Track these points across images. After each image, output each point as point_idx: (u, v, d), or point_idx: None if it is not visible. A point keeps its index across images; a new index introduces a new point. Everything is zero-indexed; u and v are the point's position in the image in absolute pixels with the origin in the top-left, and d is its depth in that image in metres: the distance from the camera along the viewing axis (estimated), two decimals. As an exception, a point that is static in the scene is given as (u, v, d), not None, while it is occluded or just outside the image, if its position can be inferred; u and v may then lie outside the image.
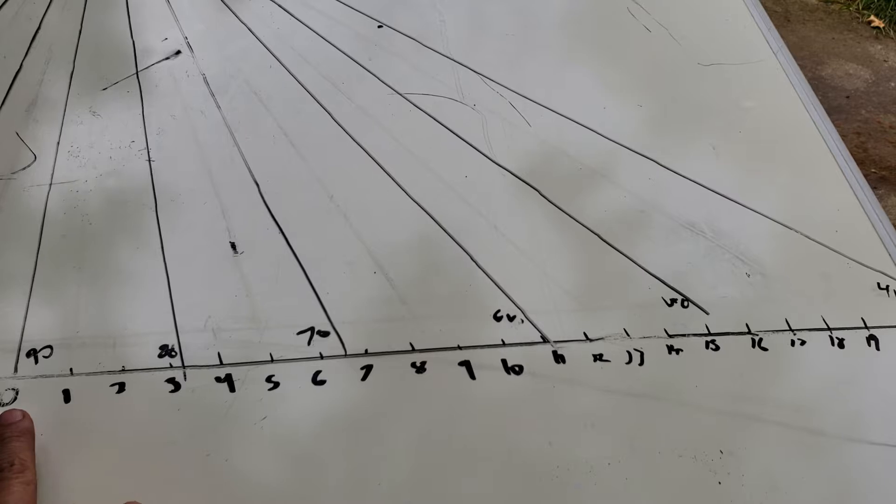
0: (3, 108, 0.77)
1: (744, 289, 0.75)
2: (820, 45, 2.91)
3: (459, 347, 0.67)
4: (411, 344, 0.66)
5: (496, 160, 0.81)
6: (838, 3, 3.12)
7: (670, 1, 1.04)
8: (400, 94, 0.85)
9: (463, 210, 0.76)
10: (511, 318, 0.69)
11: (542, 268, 0.73)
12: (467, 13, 0.96)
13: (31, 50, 0.82)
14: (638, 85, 0.92)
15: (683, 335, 0.70)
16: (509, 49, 0.93)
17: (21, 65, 0.80)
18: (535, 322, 0.69)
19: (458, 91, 0.86)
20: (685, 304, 0.72)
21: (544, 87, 0.89)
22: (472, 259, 0.73)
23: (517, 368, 0.66)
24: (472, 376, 0.65)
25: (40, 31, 0.84)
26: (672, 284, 0.74)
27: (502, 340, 0.68)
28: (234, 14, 0.89)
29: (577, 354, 0.68)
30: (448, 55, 0.90)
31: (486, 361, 0.66)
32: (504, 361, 0.66)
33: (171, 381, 0.62)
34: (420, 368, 0.65)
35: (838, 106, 2.64)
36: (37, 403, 0.60)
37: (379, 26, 0.91)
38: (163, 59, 0.83)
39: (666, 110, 0.90)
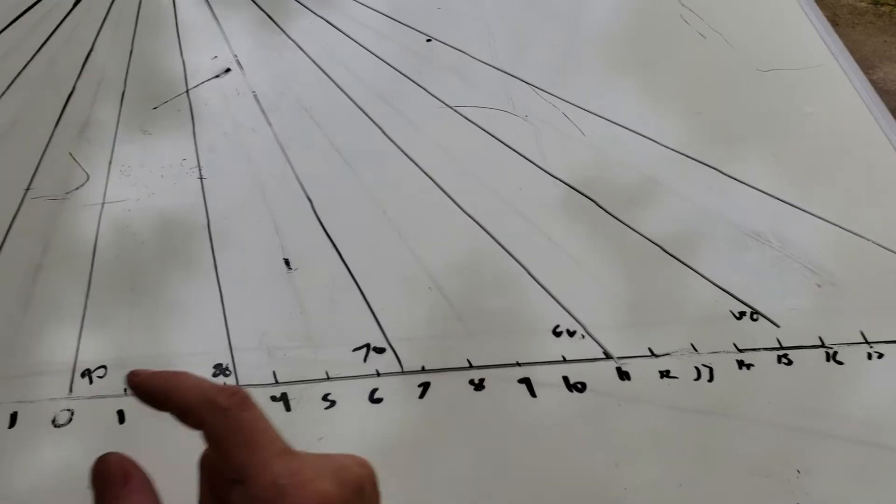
0: (57, 128, 0.77)
1: (815, 300, 0.71)
2: (870, 48, 2.84)
3: (518, 364, 0.64)
4: (469, 360, 0.64)
5: (550, 171, 0.79)
6: (889, 4, 3.05)
7: (723, 6, 1.02)
8: (450, 108, 0.84)
9: (518, 223, 0.74)
10: (571, 334, 0.67)
11: (601, 281, 0.71)
12: (516, 24, 0.94)
13: (84, 71, 0.82)
14: (695, 92, 0.90)
15: (754, 349, 0.67)
16: (560, 59, 0.91)
17: (74, 86, 0.81)
18: (596, 337, 0.66)
19: (510, 102, 0.85)
20: (754, 316, 0.69)
21: (597, 96, 0.86)
22: (528, 273, 0.70)
23: (580, 386, 0.64)
24: (533, 394, 0.63)
25: (92, 53, 0.84)
26: (739, 296, 0.70)
27: (563, 357, 0.65)
28: (283, 31, 0.89)
29: (643, 371, 0.65)
30: (498, 67, 0.88)
31: (546, 378, 0.64)
32: (566, 378, 0.64)
33: (225, 400, 0.61)
34: (479, 386, 0.63)
35: (892, 110, 2.56)
36: (92, 424, 0.59)
37: (427, 40, 0.90)
38: (213, 78, 0.83)
39: (725, 117, 0.87)
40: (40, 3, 0.89)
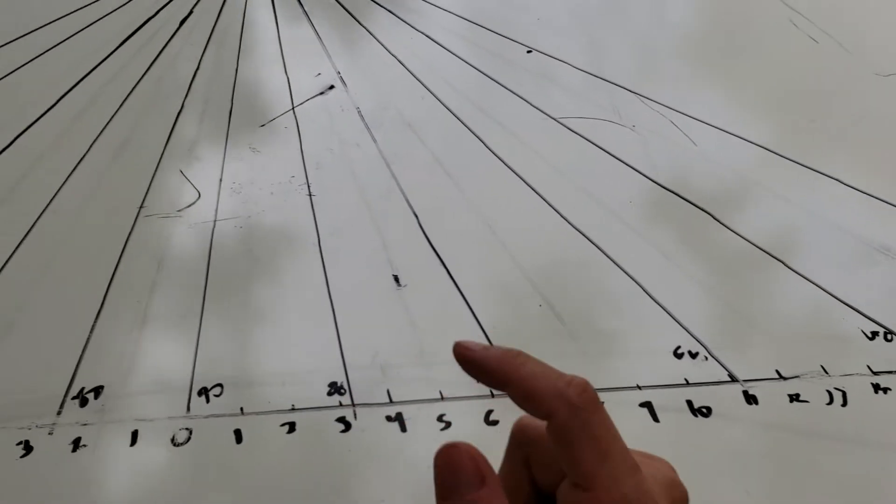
0: (167, 147, 0.78)
1: (955, 319, 0.67)
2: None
3: (639, 387, 0.62)
4: (586, 382, 0.62)
5: (661, 183, 0.76)
6: None
7: (834, 9, 0.97)
8: (553, 119, 0.82)
9: (630, 238, 0.72)
10: (693, 355, 0.64)
11: (722, 299, 0.67)
12: (617, 32, 0.92)
13: (191, 90, 0.84)
14: (809, 98, 0.86)
15: (890, 372, 0.63)
16: (666, 66, 0.88)
17: (182, 104, 0.82)
18: (720, 359, 0.63)
19: (615, 112, 0.82)
20: (888, 336, 0.65)
21: (707, 103, 0.83)
22: (643, 290, 0.68)
23: (704, 410, 0.61)
24: (656, 418, 0.60)
25: (199, 71, 0.85)
26: (871, 315, 0.66)
27: (685, 379, 0.62)
28: (383, 46, 0.89)
29: (771, 394, 0.61)
30: (600, 76, 0.86)
31: (669, 402, 0.61)
32: (689, 402, 0.61)
33: (341, 420, 0.60)
34: (598, 409, 0.61)
35: None
36: (210, 443, 0.59)
37: (528, 51, 0.89)
38: (317, 95, 0.83)
39: (843, 124, 0.83)
40: (147, 25, 0.91)
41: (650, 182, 0.76)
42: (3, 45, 0.87)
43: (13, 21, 0.89)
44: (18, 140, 0.79)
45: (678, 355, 0.64)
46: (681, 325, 0.66)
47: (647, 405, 0.61)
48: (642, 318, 0.66)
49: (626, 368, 0.63)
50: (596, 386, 0.62)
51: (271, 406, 0.61)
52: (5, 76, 0.84)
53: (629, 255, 0.70)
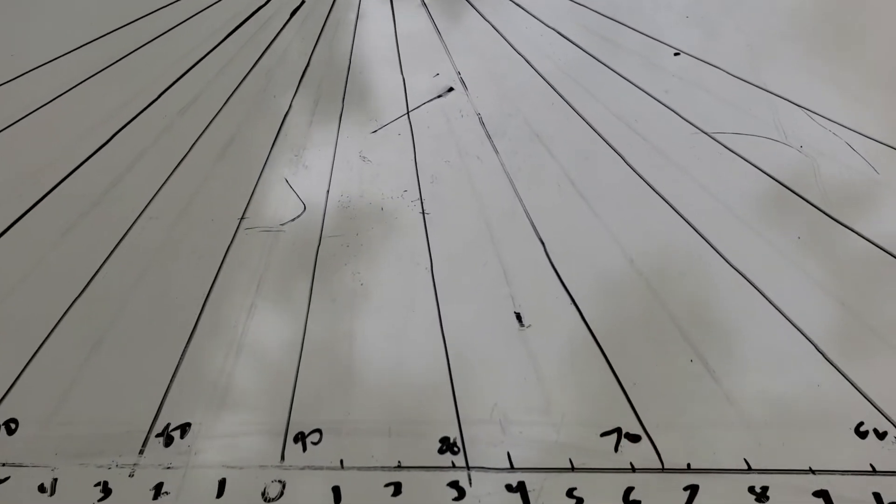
0: (273, 150, 0.72)
1: None
2: None
3: (812, 471, 0.51)
4: (746, 461, 0.52)
5: (836, 217, 0.64)
6: None
7: None
8: (706, 133, 0.71)
9: (800, 283, 0.61)
10: (881, 435, 0.53)
11: (915, 365, 0.56)
12: (780, 35, 0.80)
13: (301, 87, 0.77)
14: None
15: None
16: (840, 76, 0.75)
17: (290, 104, 0.75)
18: (915, 442, 0.52)
19: (779, 129, 0.71)
20: None
21: (891, 122, 0.71)
22: (817, 349, 0.57)
23: (897, 507, 0.50)
24: (834, 513, 0.50)
25: (309, 68, 0.78)
26: None
27: (871, 466, 0.51)
28: (509, 45, 0.79)
29: None
30: (761, 86, 0.75)
31: (851, 493, 0.50)
32: (878, 496, 0.50)
33: (453, 484, 0.52)
34: (761, 496, 0.51)
35: None
36: (305, 501, 0.52)
37: (675, 54, 0.78)
38: (434, 98, 0.75)
39: None
40: (257, 14, 0.85)
41: (822, 215, 0.64)
42: (105, 35, 0.82)
43: (117, 10, 0.84)
44: (117, 137, 0.73)
45: (861, 434, 0.53)
46: (864, 395, 0.54)
47: (824, 495, 0.50)
48: (815, 383, 0.55)
49: (797, 445, 0.53)
50: (759, 465, 0.51)
51: (375, 461, 0.53)
52: (106, 67, 0.79)
53: (797, 303, 0.59)
